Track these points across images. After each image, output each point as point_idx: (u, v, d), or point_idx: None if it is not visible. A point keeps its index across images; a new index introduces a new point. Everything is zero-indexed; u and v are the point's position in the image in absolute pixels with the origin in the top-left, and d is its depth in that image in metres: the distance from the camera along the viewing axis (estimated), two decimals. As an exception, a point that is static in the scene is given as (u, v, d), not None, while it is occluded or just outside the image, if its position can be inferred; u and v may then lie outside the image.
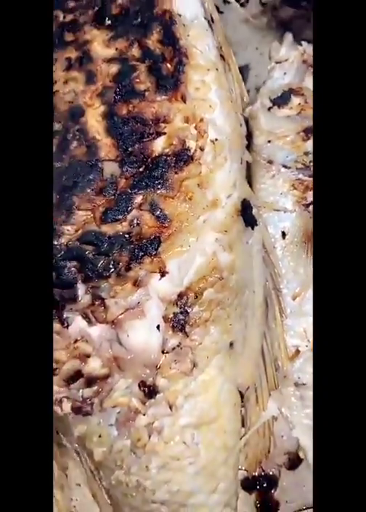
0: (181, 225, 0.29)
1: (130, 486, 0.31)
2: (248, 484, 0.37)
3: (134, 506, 0.32)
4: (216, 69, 0.31)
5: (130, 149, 0.29)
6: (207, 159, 0.29)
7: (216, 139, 0.30)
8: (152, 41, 0.29)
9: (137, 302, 0.29)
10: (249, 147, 0.35)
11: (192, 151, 0.29)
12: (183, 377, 0.29)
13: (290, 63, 0.36)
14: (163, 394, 0.30)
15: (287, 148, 0.34)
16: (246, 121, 0.37)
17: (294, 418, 0.33)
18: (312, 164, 0.34)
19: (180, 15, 0.30)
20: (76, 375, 0.30)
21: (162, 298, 0.29)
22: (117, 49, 0.29)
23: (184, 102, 0.29)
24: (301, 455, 0.36)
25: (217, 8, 0.37)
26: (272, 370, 0.34)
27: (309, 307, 0.33)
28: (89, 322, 0.30)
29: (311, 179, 0.34)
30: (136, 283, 0.29)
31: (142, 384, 0.30)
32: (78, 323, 0.30)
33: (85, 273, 0.29)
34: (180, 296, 0.29)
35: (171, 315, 0.29)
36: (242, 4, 0.45)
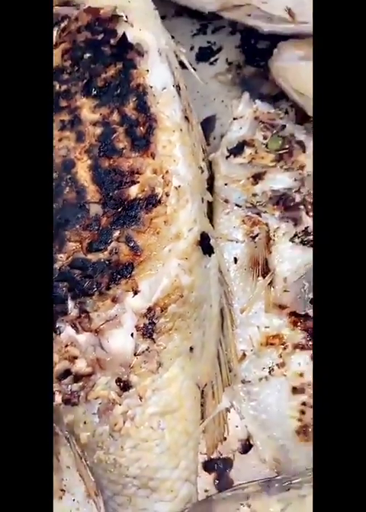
0: (150, 253, 0.36)
1: (108, 463, 0.39)
2: (208, 466, 0.44)
3: (112, 480, 0.39)
4: (181, 130, 0.38)
5: (110, 194, 0.36)
6: (172, 202, 0.37)
7: (179, 186, 0.37)
8: (129, 109, 0.37)
9: (115, 315, 0.37)
10: (211, 188, 0.43)
11: (159, 196, 0.36)
12: (151, 375, 0.37)
13: (245, 119, 0.44)
14: (135, 388, 0.37)
15: (239, 190, 0.42)
16: (211, 165, 0.45)
17: (243, 409, 0.41)
18: (258, 204, 0.42)
19: (151, 87, 0.38)
20: (66, 373, 0.37)
21: (135, 311, 0.37)
22: (101, 114, 0.36)
23: (153, 158, 0.36)
24: (251, 441, 0.44)
25: (191, 65, 0.45)
26: (226, 370, 0.41)
27: (254, 320, 0.40)
28: (77, 331, 0.37)
29: (256, 216, 0.41)
30: (114, 300, 0.36)
31: (119, 380, 0.37)
32: (67, 331, 0.37)
33: (73, 291, 0.36)
34: (149, 309, 0.36)
35: (142, 325, 0.36)
36: (211, 63, 0.53)
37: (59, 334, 0.37)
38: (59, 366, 0.37)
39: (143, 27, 0.39)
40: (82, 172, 0.36)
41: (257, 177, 0.42)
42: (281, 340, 0.40)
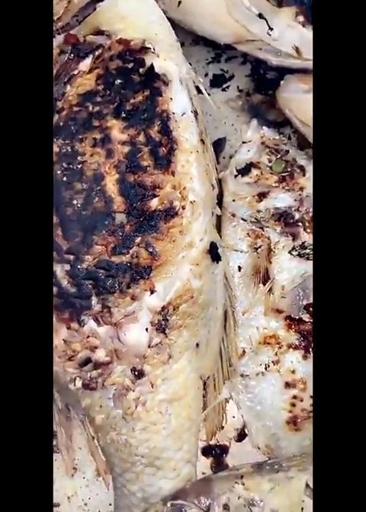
0: (166, 258, 0.41)
1: (120, 443, 0.43)
2: (206, 451, 0.49)
3: (122, 458, 0.44)
4: (197, 151, 0.43)
5: (134, 205, 0.41)
6: (187, 214, 0.42)
7: (194, 201, 0.42)
8: (154, 131, 0.42)
9: (133, 311, 0.42)
10: (220, 203, 0.48)
11: (177, 208, 0.42)
12: (162, 365, 0.42)
13: (253, 143, 0.49)
14: (147, 377, 0.42)
15: (245, 206, 0.47)
16: (220, 182, 0.50)
17: (240, 401, 0.45)
18: (261, 219, 0.47)
19: (174, 113, 0.43)
20: (87, 361, 0.42)
21: (150, 309, 0.42)
22: (129, 135, 0.42)
23: (173, 175, 0.41)
24: (246, 431, 0.48)
25: (206, 90, 0.50)
26: (226, 365, 0.46)
27: (254, 321, 0.45)
28: (98, 324, 0.42)
29: (259, 230, 0.46)
30: (133, 298, 0.41)
31: (134, 369, 0.42)
32: (90, 324, 0.42)
33: (98, 289, 0.41)
34: (163, 308, 0.41)
35: (156, 321, 0.41)
36: (223, 89, 0.58)
37: (83, 326, 0.42)
38: (81, 354, 0.42)
39: (167, 58, 0.45)
40: (110, 185, 0.41)
41: (261, 196, 0.47)
42: (277, 340, 0.45)
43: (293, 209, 0.46)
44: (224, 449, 0.49)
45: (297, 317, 0.45)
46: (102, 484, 0.48)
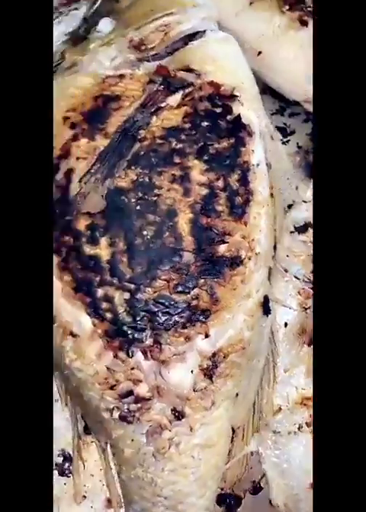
0: (225, 305, 0.42)
1: (145, 480, 0.43)
2: (220, 499, 0.48)
3: (145, 497, 0.43)
4: (267, 205, 0.44)
5: (202, 247, 0.41)
6: (251, 265, 0.42)
7: (259, 253, 0.43)
8: (233, 180, 0.42)
9: (183, 351, 0.41)
10: (274, 257, 0.49)
11: (243, 258, 0.42)
12: (203, 410, 0.42)
13: (310, 204, 0.50)
14: (187, 419, 0.41)
15: (299, 264, 0.48)
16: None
17: (267, 456, 0.46)
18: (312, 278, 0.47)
19: (253, 164, 0.43)
20: (128, 393, 0.41)
21: (200, 352, 0.42)
22: (208, 178, 0.42)
23: (245, 225, 0.42)
24: (262, 484, 0.48)
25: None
26: (257, 418, 0.46)
27: (293, 380, 0.46)
28: (145, 357, 0.42)
29: (311, 290, 0.47)
30: (187, 338, 0.41)
31: (174, 409, 0.42)
32: (137, 356, 0.42)
33: (153, 323, 0.41)
34: (213, 354, 0.42)
35: (205, 366, 0.41)
36: (283, 143, 0.59)
37: (131, 356, 0.41)
38: (123, 385, 0.42)
39: (251, 108, 0.45)
40: (183, 223, 0.41)
41: (317, 257, 0.48)
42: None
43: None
44: (238, 500, 0.48)
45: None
46: (111, 517, 0.48)
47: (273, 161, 0.46)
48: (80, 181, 0.43)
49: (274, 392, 0.45)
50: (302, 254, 0.48)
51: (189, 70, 0.46)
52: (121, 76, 0.45)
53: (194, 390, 0.41)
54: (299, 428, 0.45)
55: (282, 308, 0.47)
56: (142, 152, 0.42)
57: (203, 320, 0.41)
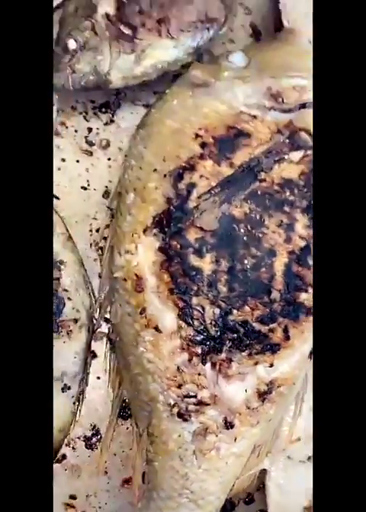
0: (291, 344, 0.47)
1: (179, 473, 0.47)
2: (217, 503, 0.54)
3: (173, 487, 0.48)
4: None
5: (289, 290, 0.47)
6: (317, 316, 0.49)
7: (325, 308, 0.49)
8: (326, 242, 0.49)
9: (246, 372, 0.47)
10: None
11: (315, 309, 0.48)
12: (249, 426, 0.47)
13: None
14: (234, 430, 0.47)
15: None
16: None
17: (274, 475, 0.52)
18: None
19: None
20: (192, 395, 0.46)
21: (258, 377, 0.47)
22: (308, 234, 0.47)
23: (326, 283, 0.48)
24: (255, 497, 0.54)
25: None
26: (273, 439, 0.52)
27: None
28: (213, 368, 0.46)
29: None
30: (255, 363, 0.47)
31: (225, 419, 0.47)
32: (207, 365, 0.46)
33: (232, 342, 0.46)
34: (270, 381, 0.47)
35: (262, 390, 0.47)
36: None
37: (204, 364, 0.46)
38: (188, 386, 0.46)
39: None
40: (278, 264, 0.47)
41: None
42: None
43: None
44: (232, 506, 0.54)
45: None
46: (123, 495, 0.51)
47: None
48: (199, 197, 0.47)
49: (295, 424, 0.52)
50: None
51: (309, 133, 0.52)
52: (254, 116, 0.50)
53: (246, 407, 0.47)
54: (308, 459, 0.52)
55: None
56: (259, 191, 0.47)
57: (273, 352, 0.47)
